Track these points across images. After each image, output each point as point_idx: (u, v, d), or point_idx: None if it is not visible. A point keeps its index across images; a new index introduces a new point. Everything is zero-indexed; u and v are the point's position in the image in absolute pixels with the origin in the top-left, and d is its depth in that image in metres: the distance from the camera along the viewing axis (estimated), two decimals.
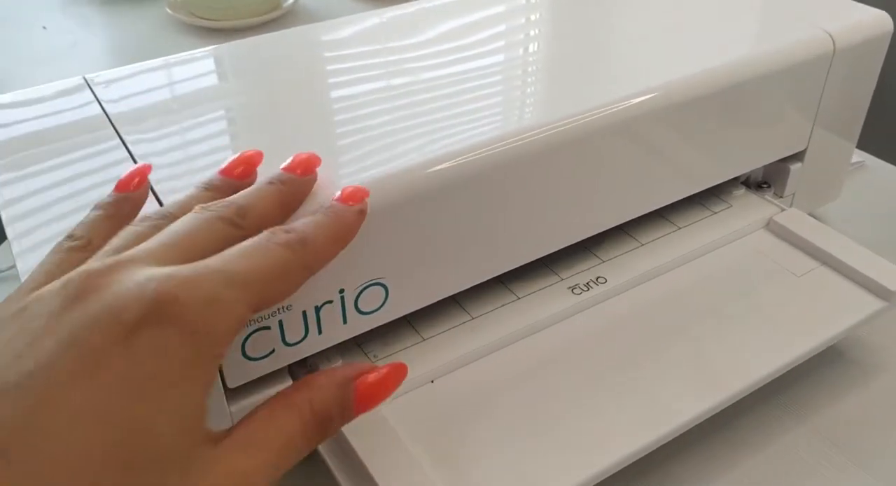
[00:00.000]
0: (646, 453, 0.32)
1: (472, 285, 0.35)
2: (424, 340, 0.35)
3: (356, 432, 0.31)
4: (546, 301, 0.37)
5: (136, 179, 0.28)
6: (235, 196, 0.26)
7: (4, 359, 0.20)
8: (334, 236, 0.26)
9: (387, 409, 0.32)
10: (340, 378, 0.25)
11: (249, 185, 0.28)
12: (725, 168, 0.42)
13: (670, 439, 0.32)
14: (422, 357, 0.34)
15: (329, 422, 0.24)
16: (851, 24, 0.42)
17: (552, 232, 0.36)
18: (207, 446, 0.22)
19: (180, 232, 0.24)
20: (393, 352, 0.34)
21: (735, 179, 0.44)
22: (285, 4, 0.77)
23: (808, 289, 0.38)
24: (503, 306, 0.37)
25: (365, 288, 0.31)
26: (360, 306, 0.31)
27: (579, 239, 0.37)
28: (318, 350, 0.32)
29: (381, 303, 0.32)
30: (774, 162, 0.44)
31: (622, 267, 0.39)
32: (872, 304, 0.37)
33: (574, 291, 0.37)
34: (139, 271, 0.22)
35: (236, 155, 0.29)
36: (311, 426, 0.24)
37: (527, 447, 0.31)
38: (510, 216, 0.34)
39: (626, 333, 0.36)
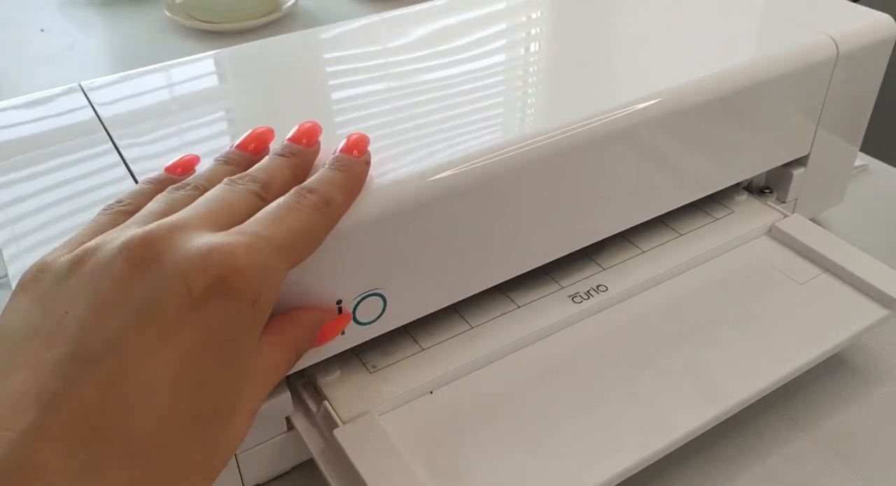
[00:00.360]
0: (646, 465, 0.31)
1: (472, 294, 0.34)
2: (423, 350, 0.34)
3: (354, 443, 0.30)
4: (546, 310, 0.36)
5: (184, 166, 0.30)
6: (256, 171, 0.28)
7: (78, 318, 0.22)
8: (350, 191, 0.28)
9: (385, 420, 0.32)
10: (315, 322, 0.29)
11: (262, 159, 0.29)
12: (728, 174, 0.41)
13: (671, 451, 0.32)
14: (421, 367, 0.34)
15: (303, 352, 0.29)
16: (855, 29, 0.42)
17: (553, 240, 0.36)
18: None
19: (217, 200, 0.26)
20: (392, 362, 0.34)
21: (737, 185, 0.44)
22: (284, 7, 0.76)
23: (811, 297, 0.38)
24: (503, 314, 0.36)
25: (363, 299, 0.31)
26: (358, 316, 0.31)
27: (580, 247, 0.37)
28: (315, 361, 0.31)
29: (379, 313, 0.32)
30: (777, 167, 0.44)
31: (623, 275, 0.38)
32: (875, 312, 0.37)
33: (574, 299, 0.37)
34: (196, 237, 0.24)
35: (249, 131, 0.31)
36: (294, 357, 0.28)
37: (526, 459, 0.31)
38: (510, 225, 0.33)
39: (626, 342, 0.36)
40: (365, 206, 0.29)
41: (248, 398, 0.24)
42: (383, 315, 0.32)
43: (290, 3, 0.77)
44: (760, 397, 0.34)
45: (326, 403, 0.32)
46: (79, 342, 0.22)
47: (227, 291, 0.23)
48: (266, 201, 0.26)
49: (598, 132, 0.34)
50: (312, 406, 0.33)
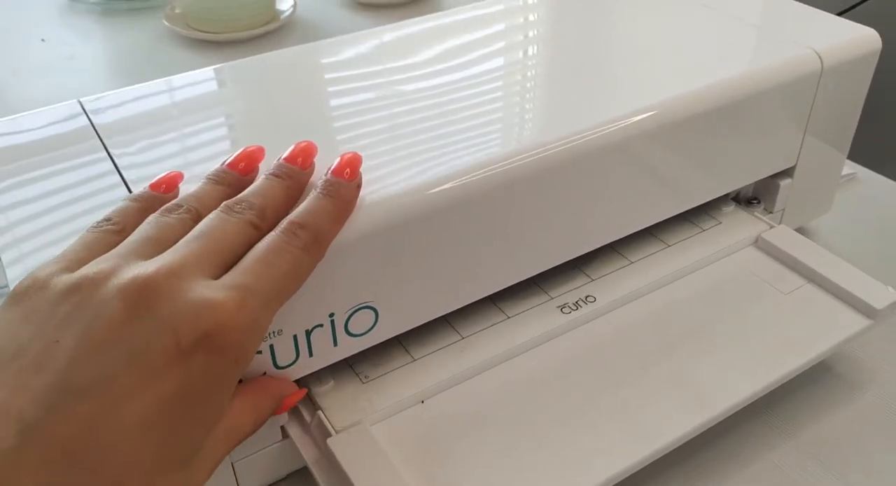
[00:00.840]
0: (633, 472, 0.32)
1: (462, 305, 0.35)
2: (415, 360, 0.35)
3: (347, 452, 0.31)
4: (535, 320, 0.37)
5: (168, 184, 0.30)
6: (251, 195, 0.28)
7: (70, 350, 0.23)
8: (339, 220, 0.29)
9: (377, 429, 0.33)
10: (282, 394, 0.30)
11: (253, 179, 0.30)
12: (715, 185, 0.42)
13: (658, 457, 0.33)
14: (412, 377, 0.34)
15: (265, 421, 0.29)
16: (839, 43, 0.42)
17: (543, 252, 0.36)
18: None
19: (214, 234, 0.26)
20: (384, 372, 0.35)
21: (725, 196, 0.45)
22: (282, 17, 0.77)
23: (795, 307, 0.39)
24: (493, 325, 0.37)
25: (355, 311, 0.31)
26: (350, 328, 0.32)
27: (570, 258, 0.38)
28: (308, 372, 0.32)
29: (371, 325, 0.32)
30: (764, 178, 0.45)
31: (611, 286, 0.39)
32: (858, 322, 0.38)
33: (563, 310, 0.38)
34: (192, 287, 0.24)
35: (240, 150, 0.31)
36: (258, 424, 0.29)
37: (516, 467, 0.32)
38: (501, 237, 0.34)
39: (614, 352, 0.37)
40: (357, 222, 0.30)
41: (210, 451, 0.25)
42: (375, 327, 0.33)
43: (287, 13, 0.78)
44: (746, 404, 0.35)
45: (320, 412, 0.33)
46: (67, 374, 0.23)
47: (213, 348, 0.24)
48: (261, 230, 0.27)
49: (589, 146, 0.34)
50: (307, 416, 0.33)
